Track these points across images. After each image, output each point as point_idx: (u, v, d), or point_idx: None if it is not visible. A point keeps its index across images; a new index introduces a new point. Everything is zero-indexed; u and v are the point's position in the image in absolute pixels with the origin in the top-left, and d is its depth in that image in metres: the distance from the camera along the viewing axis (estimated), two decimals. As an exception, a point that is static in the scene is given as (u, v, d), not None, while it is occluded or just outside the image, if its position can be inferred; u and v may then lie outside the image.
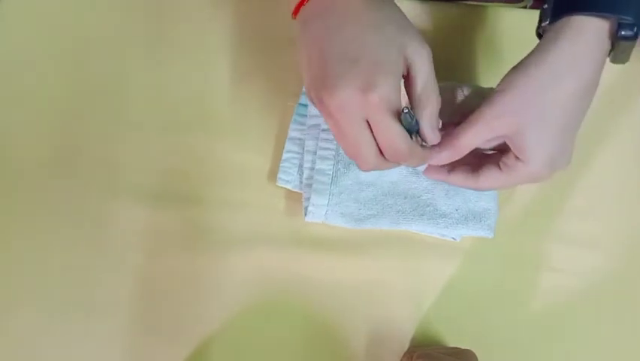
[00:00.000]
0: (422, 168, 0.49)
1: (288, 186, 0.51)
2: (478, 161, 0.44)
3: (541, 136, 0.39)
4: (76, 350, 0.50)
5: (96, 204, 0.51)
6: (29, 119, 0.52)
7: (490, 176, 0.42)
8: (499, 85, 0.41)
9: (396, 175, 0.50)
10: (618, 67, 0.53)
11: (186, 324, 0.50)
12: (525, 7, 0.57)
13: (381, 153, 0.39)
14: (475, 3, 0.54)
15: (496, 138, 0.41)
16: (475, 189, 0.44)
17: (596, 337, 0.52)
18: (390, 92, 0.37)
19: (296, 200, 0.51)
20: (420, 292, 0.52)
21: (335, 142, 0.50)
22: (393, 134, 0.38)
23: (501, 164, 0.42)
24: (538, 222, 0.53)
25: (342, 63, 0.37)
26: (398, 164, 0.41)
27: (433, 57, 0.39)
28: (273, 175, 0.51)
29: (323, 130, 0.50)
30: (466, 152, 0.42)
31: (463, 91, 0.48)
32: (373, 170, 0.40)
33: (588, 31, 0.39)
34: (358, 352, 0.51)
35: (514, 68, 0.41)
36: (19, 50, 0.54)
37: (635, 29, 0.38)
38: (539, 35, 0.43)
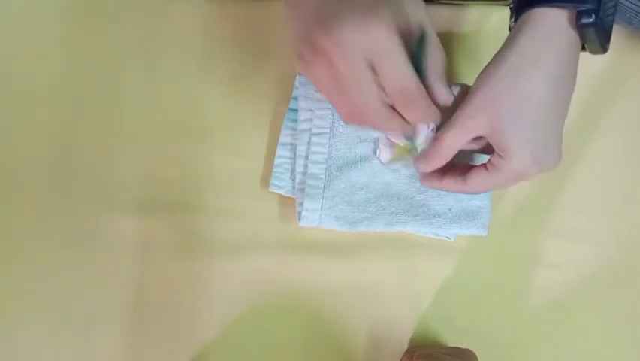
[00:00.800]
0: (414, 172, 0.49)
1: (281, 192, 0.51)
2: (469, 165, 0.45)
3: (519, 130, 0.40)
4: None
5: (90, 213, 0.51)
6: (22, 129, 0.52)
7: (478, 178, 0.43)
8: (472, 86, 0.42)
9: (390, 176, 0.50)
10: (608, 62, 0.53)
11: (184, 332, 0.50)
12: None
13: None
14: (460, 3, 0.54)
15: (479, 138, 0.42)
16: (467, 193, 0.44)
17: (595, 331, 0.52)
18: (394, 25, 0.35)
19: (289, 205, 0.51)
20: (417, 293, 0.52)
21: (327, 145, 0.50)
22: (403, 70, 0.36)
23: (487, 165, 0.42)
24: (532, 218, 0.53)
25: (342, 1, 0.35)
26: (407, 125, 0.39)
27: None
28: (265, 181, 0.51)
29: (314, 134, 0.50)
30: (450, 155, 0.43)
31: (452, 90, 0.48)
32: (377, 126, 0.39)
33: (547, 23, 0.39)
34: (358, 353, 0.51)
35: (484, 68, 0.41)
36: (11, 60, 0.53)
37: (594, 16, 0.38)
38: None
